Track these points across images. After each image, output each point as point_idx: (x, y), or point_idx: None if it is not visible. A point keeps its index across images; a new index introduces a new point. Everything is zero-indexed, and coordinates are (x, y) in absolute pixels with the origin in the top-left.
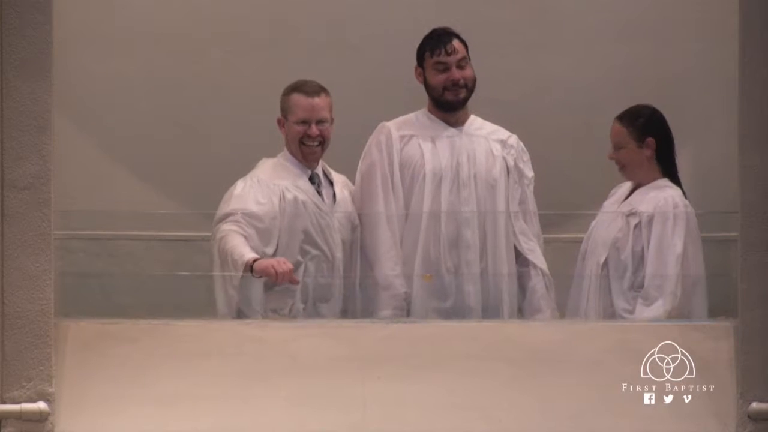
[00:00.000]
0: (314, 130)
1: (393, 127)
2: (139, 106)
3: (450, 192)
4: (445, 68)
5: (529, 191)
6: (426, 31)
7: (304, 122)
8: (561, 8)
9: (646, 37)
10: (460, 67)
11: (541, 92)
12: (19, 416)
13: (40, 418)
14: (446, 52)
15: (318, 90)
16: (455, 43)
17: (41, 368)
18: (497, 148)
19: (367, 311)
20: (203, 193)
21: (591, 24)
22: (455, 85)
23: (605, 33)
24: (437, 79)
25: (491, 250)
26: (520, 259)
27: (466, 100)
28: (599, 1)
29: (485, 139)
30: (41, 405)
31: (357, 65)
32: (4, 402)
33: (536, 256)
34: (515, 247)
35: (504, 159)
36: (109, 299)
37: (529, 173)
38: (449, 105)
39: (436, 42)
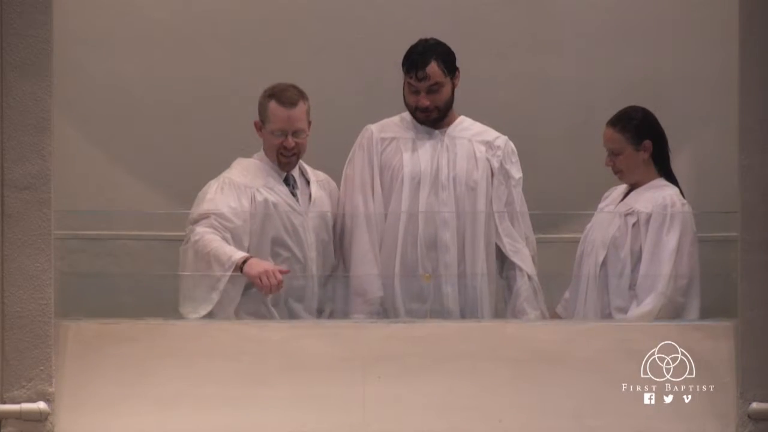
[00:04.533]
0: (290, 141)
1: (376, 129)
2: (139, 106)
3: (429, 195)
4: (416, 91)
5: (517, 192)
6: (425, 32)
7: (281, 133)
8: (561, 9)
9: (645, 38)
10: (431, 91)
11: (541, 92)
12: (19, 416)
13: (40, 418)
14: (417, 78)
15: (296, 100)
16: (430, 68)
17: (41, 368)
18: (481, 150)
19: (343, 311)
20: None
21: (590, 24)
22: (425, 109)
23: (604, 33)
24: (410, 98)
25: (470, 252)
26: (507, 261)
27: (438, 119)
28: (599, 2)
29: (469, 141)
30: (41, 405)
31: (357, 65)
32: (4, 402)
33: (521, 257)
34: (501, 250)
35: (488, 161)
36: (109, 299)
37: (517, 174)
38: (421, 122)
39: (411, 64)
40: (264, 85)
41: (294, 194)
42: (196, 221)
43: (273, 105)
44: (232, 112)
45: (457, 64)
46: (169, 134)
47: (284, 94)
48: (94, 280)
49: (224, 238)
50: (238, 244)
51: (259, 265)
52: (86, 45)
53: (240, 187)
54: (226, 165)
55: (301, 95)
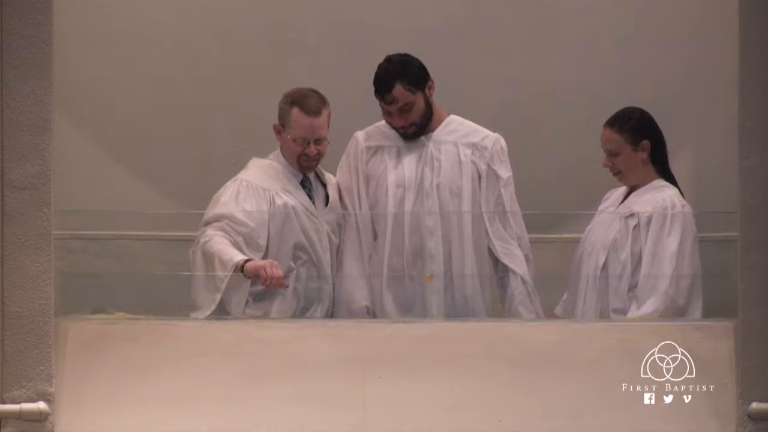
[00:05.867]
0: (312, 149)
1: (362, 138)
2: (139, 106)
3: (414, 203)
4: (389, 112)
5: (506, 192)
6: (426, 32)
7: (303, 141)
8: (561, 10)
9: (645, 39)
10: (403, 111)
11: (542, 93)
12: (19, 416)
13: (40, 418)
14: (385, 101)
15: (319, 108)
16: (395, 91)
17: (41, 368)
18: (466, 154)
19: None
20: (203, 193)
21: (591, 25)
22: (402, 127)
23: (605, 34)
24: (385, 117)
25: (458, 259)
26: (500, 264)
27: (418, 133)
28: (599, 3)
29: (455, 145)
30: (41, 405)
31: (356, 66)
32: (4, 402)
33: (512, 259)
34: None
35: (474, 164)
36: (110, 299)
37: (505, 174)
38: (403, 136)
39: (377, 86)
40: (264, 84)
41: (310, 197)
42: (208, 223)
43: (296, 112)
44: (232, 112)
45: (457, 62)
46: (169, 134)
47: (307, 102)
48: (94, 280)
49: (235, 242)
50: (254, 247)
51: (258, 261)
52: (86, 45)
53: (258, 190)
54: (226, 165)
55: (323, 102)
